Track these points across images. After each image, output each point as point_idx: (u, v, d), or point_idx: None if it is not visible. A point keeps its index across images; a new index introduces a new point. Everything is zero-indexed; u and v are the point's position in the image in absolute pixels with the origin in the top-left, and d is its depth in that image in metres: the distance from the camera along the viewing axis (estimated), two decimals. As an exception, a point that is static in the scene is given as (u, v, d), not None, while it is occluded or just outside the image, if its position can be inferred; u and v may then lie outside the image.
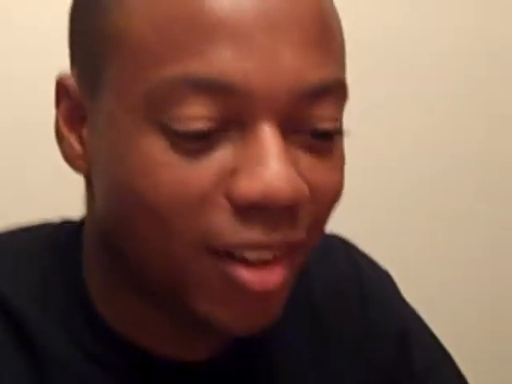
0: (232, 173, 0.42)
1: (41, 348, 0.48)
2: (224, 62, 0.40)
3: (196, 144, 0.41)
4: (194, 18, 0.41)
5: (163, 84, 0.41)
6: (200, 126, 0.41)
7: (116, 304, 0.49)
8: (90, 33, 0.45)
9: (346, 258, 0.62)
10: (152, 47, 0.42)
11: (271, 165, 0.41)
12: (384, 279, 0.64)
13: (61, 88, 0.48)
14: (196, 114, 0.41)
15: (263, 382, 0.53)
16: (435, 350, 0.63)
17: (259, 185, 0.41)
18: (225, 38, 0.41)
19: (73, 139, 0.47)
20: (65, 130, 0.48)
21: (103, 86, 0.44)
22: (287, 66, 0.41)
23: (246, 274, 0.42)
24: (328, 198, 0.45)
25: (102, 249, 0.48)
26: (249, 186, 0.41)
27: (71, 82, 0.47)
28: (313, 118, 0.43)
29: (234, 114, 0.42)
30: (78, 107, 0.47)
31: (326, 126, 0.44)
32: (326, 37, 0.43)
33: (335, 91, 0.44)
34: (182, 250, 0.43)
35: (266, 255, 0.43)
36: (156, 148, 0.42)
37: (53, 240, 0.52)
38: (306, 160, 0.43)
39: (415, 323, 0.63)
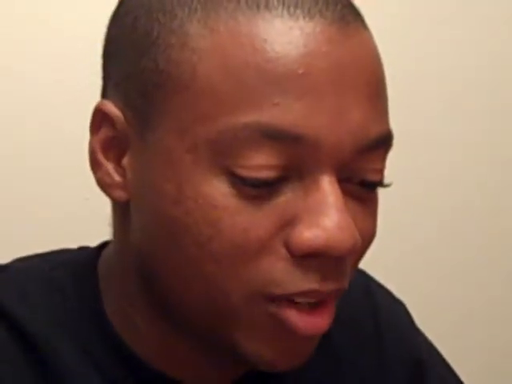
0: (292, 221, 0.43)
1: (52, 365, 0.48)
2: (296, 113, 0.42)
3: (258, 191, 0.43)
4: (268, 67, 0.42)
5: (234, 130, 0.42)
6: (267, 175, 0.42)
7: (140, 332, 0.50)
8: (139, 64, 0.45)
9: (361, 288, 0.63)
10: (223, 92, 0.42)
11: (332, 215, 0.43)
12: (398, 309, 0.66)
13: (101, 115, 0.47)
14: (264, 163, 0.42)
15: None
16: (449, 380, 0.65)
17: (322, 234, 0.42)
18: (297, 89, 0.42)
19: (111, 168, 0.47)
20: (102, 158, 0.47)
21: (158, 121, 0.44)
22: (353, 121, 0.43)
23: (296, 319, 0.44)
24: (367, 243, 0.47)
25: (133, 280, 0.49)
26: (311, 235, 0.43)
27: (115, 112, 0.46)
28: (364, 169, 0.45)
29: (297, 164, 0.43)
30: (120, 137, 0.47)
31: (374, 177, 0.46)
32: (382, 90, 0.46)
33: (387, 144, 0.46)
34: (238, 294, 0.44)
35: (315, 300, 0.45)
36: (218, 192, 0.43)
37: (71, 267, 0.53)
38: (354, 208, 0.45)
39: (429, 352, 0.65)
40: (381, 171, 0.46)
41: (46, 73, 1.07)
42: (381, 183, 0.46)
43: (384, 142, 0.45)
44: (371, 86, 0.44)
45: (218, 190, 0.43)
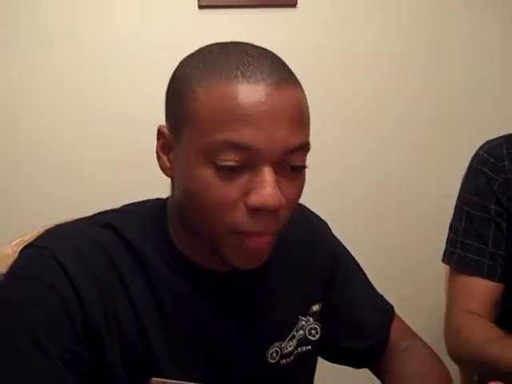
0: (247, 191, 0.78)
1: (145, 262, 0.86)
2: (247, 134, 0.76)
3: (229, 174, 0.77)
4: (233, 109, 0.76)
5: (215, 143, 0.77)
6: (231, 163, 0.77)
7: (185, 241, 0.87)
8: (175, 106, 0.82)
9: (303, 215, 1.03)
10: (210, 124, 0.77)
11: (267, 188, 0.77)
12: (323, 223, 1.08)
13: (160, 132, 0.85)
14: (231, 159, 0.77)
15: (260, 278, 0.92)
16: (352, 263, 1.08)
17: (261, 199, 0.77)
18: (248, 121, 0.76)
19: (165, 159, 0.84)
20: (161, 154, 0.85)
21: (182, 136, 0.80)
22: (280, 138, 0.77)
23: (250, 242, 0.80)
24: (293, 203, 0.82)
25: (178, 214, 0.87)
26: (256, 200, 0.77)
27: (165, 130, 0.84)
28: (291, 161, 0.79)
29: (250, 161, 0.77)
30: (168, 143, 0.83)
31: (298, 164, 0.80)
32: (302, 119, 0.80)
33: (304, 148, 0.80)
34: (219, 229, 0.80)
35: (261, 234, 0.80)
36: (208, 175, 0.78)
37: (153, 208, 0.92)
38: (284, 183, 0.79)
39: (341, 248, 1.08)
40: (302, 161, 0.80)
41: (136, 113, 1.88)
42: (301, 167, 0.81)
43: (301, 147, 0.79)
44: (292, 118, 0.78)
45: (208, 173, 0.78)
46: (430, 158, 2.05)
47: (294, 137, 0.78)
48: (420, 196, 2.05)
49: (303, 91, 0.81)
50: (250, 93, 0.76)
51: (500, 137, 1.33)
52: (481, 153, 1.32)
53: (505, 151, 1.29)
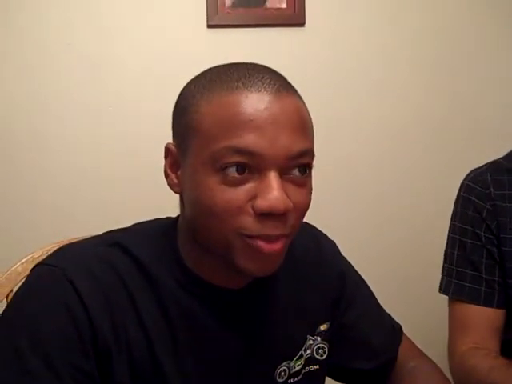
0: (254, 196, 0.79)
1: (155, 280, 0.86)
2: (250, 141, 0.77)
3: (234, 180, 0.78)
4: (236, 118, 0.78)
5: (220, 150, 0.78)
6: (234, 160, 0.77)
7: (195, 258, 0.87)
8: (181, 122, 0.84)
9: (311, 234, 1.06)
10: (214, 133, 0.79)
11: (273, 192, 0.78)
12: (331, 242, 1.09)
13: (167, 149, 0.87)
14: (236, 161, 0.78)
15: (269, 296, 0.94)
16: (359, 282, 1.09)
17: (268, 203, 0.78)
18: (251, 128, 0.77)
19: (173, 176, 0.86)
20: (169, 171, 0.87)
21: (188, 151, 0.82)
22: (283, 143, 0.78)
23: (262, 245, 0.80)
24: (301, 209, 0.83)
25: (188, 231, 0.87)
26: (263, 203, 0.78)
27: (172, 147, 0.86)
28: (294, 167, 0.80)
29: (254, 166, 0.78)
30: (176, 160, 0.85)
31: (301, 170, 0.81)
32: (303, 126, 0.82)
33: (308, 154, 0.81)
34: (228, 234, 0.80)
35: (270, 237, 0.80)
36: (215, 182, 0.79)
37: (163, 226, 0.92)
38: (291, 189, 0.81)
39: (349, 267, 1.09)
40: (307, 167, 0.82)
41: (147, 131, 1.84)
42: (308, 173, 0.83)
43: (305, 153, 0.81)
44: (294, 125, 0.80)
45: (215, 181, 0.79)
46: (437, 166, 2.06)
47: (296, 142, 0.79)
48: (426, 204, 2.06)
49: (303, 101, 0.84)
50: (251, 100, 0.78)
51: (484, 164, 1.34)
52: (466, 182, 1.33)
53: (489, 178, 1.29)
